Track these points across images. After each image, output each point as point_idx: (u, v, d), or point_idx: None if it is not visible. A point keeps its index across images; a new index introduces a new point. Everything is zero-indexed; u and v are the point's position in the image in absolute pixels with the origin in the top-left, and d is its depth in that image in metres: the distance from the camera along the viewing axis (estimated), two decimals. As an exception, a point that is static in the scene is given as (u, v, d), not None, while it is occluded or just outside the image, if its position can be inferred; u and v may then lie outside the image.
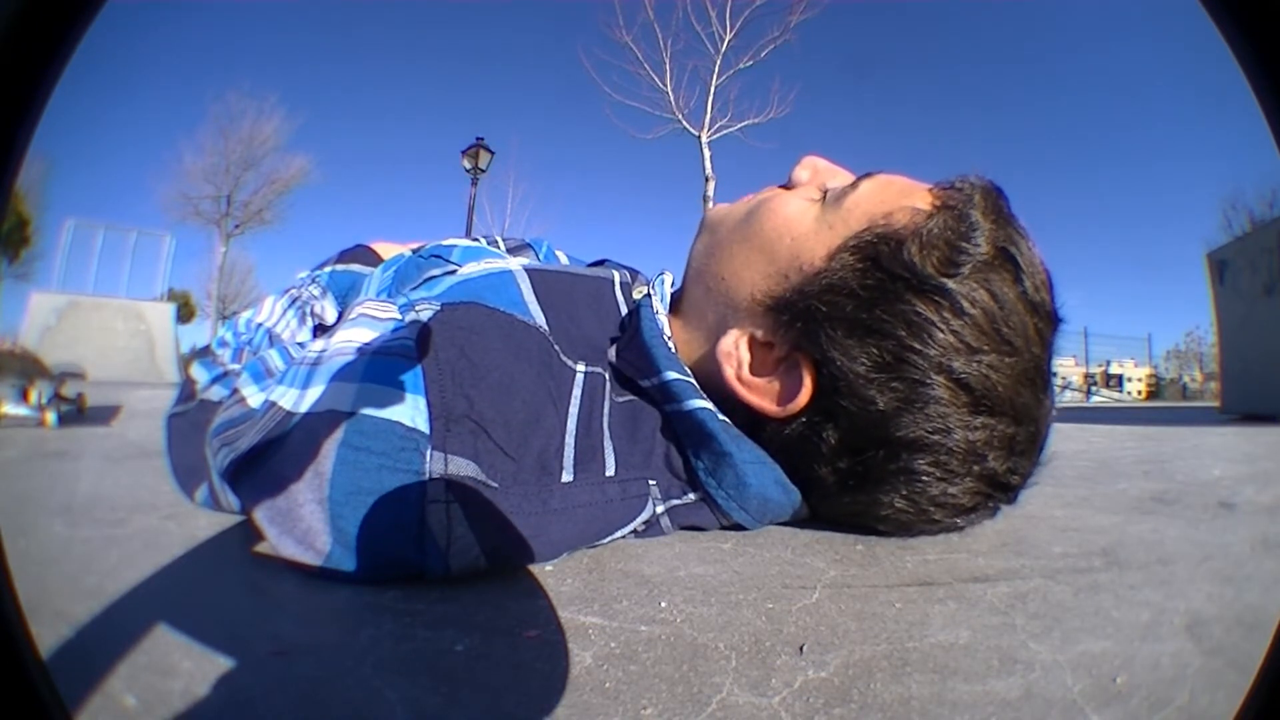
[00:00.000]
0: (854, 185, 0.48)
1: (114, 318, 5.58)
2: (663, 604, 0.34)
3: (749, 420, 0.47)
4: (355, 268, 0.74)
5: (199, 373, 0.59)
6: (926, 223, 0.43)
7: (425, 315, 0.40)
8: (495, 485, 0.36)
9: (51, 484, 0.64)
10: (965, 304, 0.41)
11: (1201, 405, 5.23)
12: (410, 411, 0.36)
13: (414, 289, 0.56)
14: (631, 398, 0.48)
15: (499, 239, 0.80)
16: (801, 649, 0.29)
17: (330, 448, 0.35)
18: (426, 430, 0.35)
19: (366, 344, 0.39)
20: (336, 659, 0.27)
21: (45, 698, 0.16)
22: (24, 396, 1.08)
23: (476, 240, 0.73)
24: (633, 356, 0.49)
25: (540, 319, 0.45)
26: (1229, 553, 0.47)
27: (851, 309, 0.43)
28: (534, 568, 0.39)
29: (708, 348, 0.50)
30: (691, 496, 0.46)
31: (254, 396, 0.43)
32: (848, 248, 0.45)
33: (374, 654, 0.27)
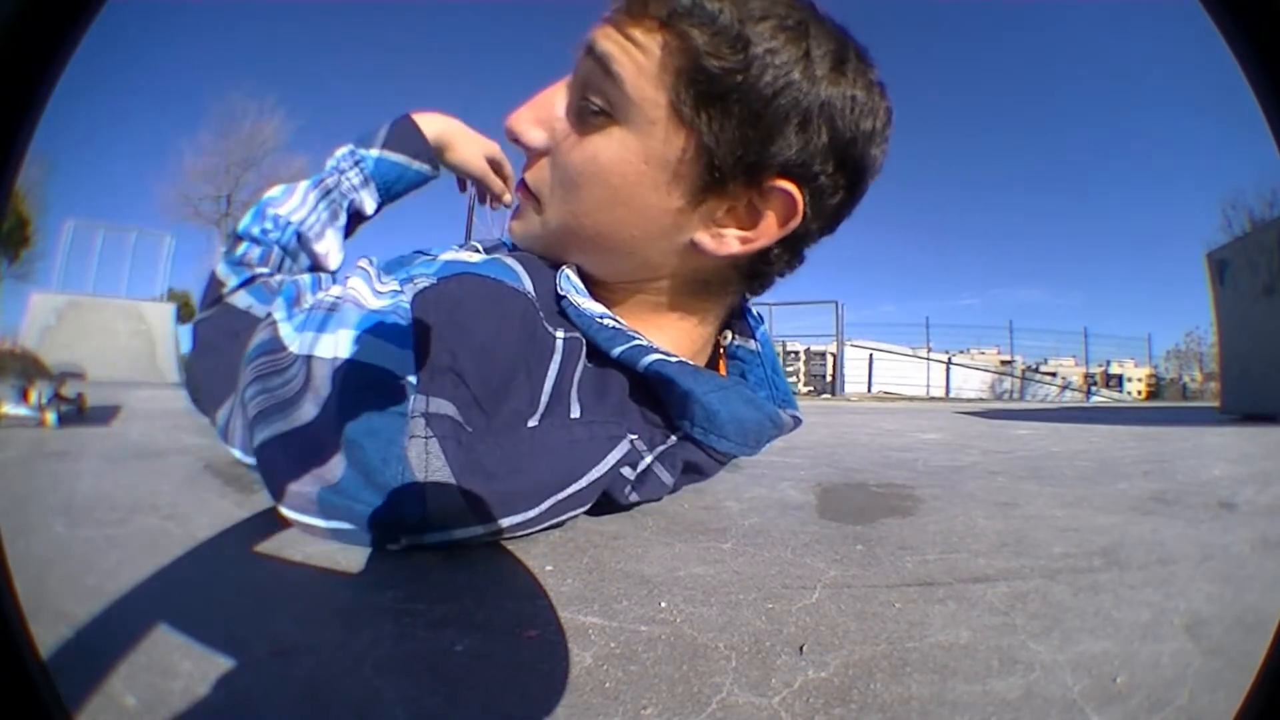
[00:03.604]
0: (584, 73, 0.46)
1: (114, 318, 5.57)
2: (663, 604, 0.34)
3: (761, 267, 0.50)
4: (406, 160, 0.70)
5: (226, 274, 0.62)
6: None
7: (423, 285, 0.43)
8: (470, 430, 0.39)
9: (51, 484, 0.64)
10: (760, 31, 0.41)
11: (1201, 405, 5.22)
12: (400, 362, 0.40)
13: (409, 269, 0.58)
14: (603, 364, 0.49)
15: (477, 245, 0.79)
16: (801, 649, 0.29)
17: (333, 395, 0.39)
18: (414, 380, 0.39)
19: (372, 309, 0.43)
20: (336, 659, 0.27)
21: (45, 698, 0.16)
22: (24, 396, 1.08)
23: (460, 246, 0.73)
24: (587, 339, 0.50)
25: (529, 284, 0.48)
26: (1229, 553, 0.47)
27: (738, 123, 0.42)
28: (534, 567, 0.39)
29: (672, 283, 0.51)
30: (674, 438, 0.49)
31: (283, 324, 0.46)
32: (678, 109, 0.43)
33: (374, 654, 0.27)
